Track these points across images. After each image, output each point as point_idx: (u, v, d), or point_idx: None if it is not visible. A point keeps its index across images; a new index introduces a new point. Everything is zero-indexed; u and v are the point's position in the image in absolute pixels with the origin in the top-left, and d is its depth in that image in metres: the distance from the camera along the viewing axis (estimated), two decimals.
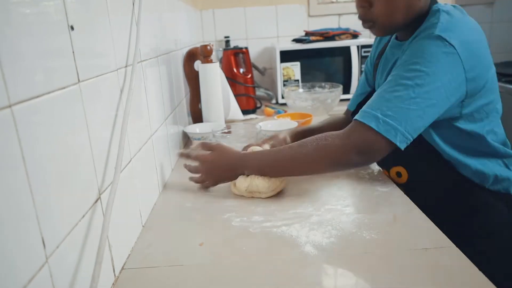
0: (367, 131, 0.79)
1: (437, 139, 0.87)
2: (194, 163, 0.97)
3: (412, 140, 0.79)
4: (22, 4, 0.43)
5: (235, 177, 0.92)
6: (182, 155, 1.01)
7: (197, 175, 0.97)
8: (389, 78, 0.83)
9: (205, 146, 0.98)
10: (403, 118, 0.77)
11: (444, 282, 0.59)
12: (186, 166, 0.98)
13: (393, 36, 0.98)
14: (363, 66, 1.98)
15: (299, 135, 1.11)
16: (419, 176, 0.93)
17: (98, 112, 0.62)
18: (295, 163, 0.86)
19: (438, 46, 0.77)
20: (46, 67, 0.47)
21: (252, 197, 0.91)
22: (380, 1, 0.85)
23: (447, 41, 0.77)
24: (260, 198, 0.90)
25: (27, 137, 0.41)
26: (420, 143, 0.86)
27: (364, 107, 0.82)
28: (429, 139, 0.88)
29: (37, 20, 0.46)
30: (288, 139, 1.10)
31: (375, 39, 1.12)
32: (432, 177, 0.91)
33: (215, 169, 0.94)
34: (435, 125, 0.84)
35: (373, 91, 1.07)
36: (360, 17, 0.91)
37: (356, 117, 0.82)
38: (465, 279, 0.59)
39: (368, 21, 0.90)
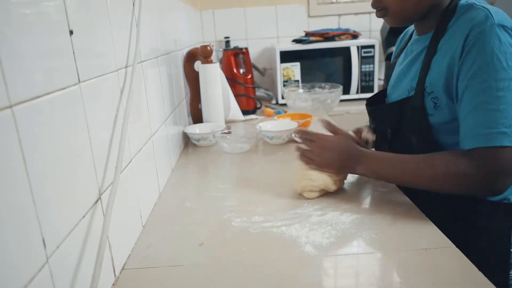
0: (494, 151, 0.71)
1: (442, 140, 0.85)
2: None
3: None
4: (23, 4, 0.43)
5: (344, 170, 0.88)
6: (299, 132, 0.94)
7: (307, 149, 0.91)
8: (469, 94, 0.75)
9: (330, 126, 0.96)
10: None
11: (444, 282, 0.59)
12: (300, 136, 0.93)
13: (414, 34, 0.97)
14: (363, 66, 1.99)
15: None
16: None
17: (99, 113, 0.62)
18: (419, 180, 0.79)
19: (505, 35, 0.73)
20: (47, 68, 0.47)
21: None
22: None
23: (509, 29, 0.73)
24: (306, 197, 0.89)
25: (27, 137, 0.41)
26: (425, 144, 0.85)
27: (472, 132, 0.74)
28: (433, 141, 0.86)
29: (37, 21, 0.46)
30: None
31: (397, 42, 1.11)
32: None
33: (330, 151, 0.88)
34: (440, 127, 0.83)
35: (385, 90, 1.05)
36: (373, 5, 0.89)
37: (474, 145, 0.74)
38: (465, 279, 0.59)
39: (380, 9, 0.88)
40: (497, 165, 0.72)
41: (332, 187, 0.89)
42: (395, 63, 1.04)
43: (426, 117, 0.84)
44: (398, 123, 0.92)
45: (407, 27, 1.08)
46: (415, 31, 0.96)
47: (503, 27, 0.73)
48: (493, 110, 0.72)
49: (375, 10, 0.89)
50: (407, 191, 0.88)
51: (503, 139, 0.71)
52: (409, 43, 0.98)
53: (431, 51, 0.84)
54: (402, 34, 1.10)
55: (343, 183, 0.93)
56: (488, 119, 0.73)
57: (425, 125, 0.85)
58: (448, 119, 0.82)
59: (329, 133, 0.95)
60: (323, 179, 0.88)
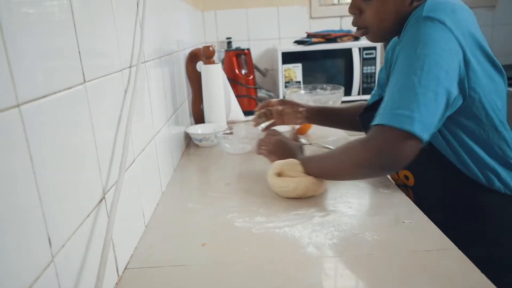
0: (380, 130, 0.75)
1: (446, 137, 0.86)
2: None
3: (435, 129, 0.75)
4: (28, 4, 0.44)
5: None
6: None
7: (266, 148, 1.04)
8: (391, 75, 0.80)
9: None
10: (415, 105, 0.72)
11: (446, 284, 0.59)
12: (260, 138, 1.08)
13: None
14: (364, 68, 1.99)
15: (319, 112, 1.22)
16: (425, 179, 0.93)
17: (103, 112, 0.62)
18: (329, 166, 0.88)
19: (429, 26, 0.74)
20: (52, 67, 0.47)
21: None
22: (370, 8, 0.85)
23: (436, 19, 0.74)
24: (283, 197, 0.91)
25: (34, 136, 0.42)
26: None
27: (377, 112, 0.79)
28: (433, 141, 0.87)
29: (42, 20, 0.46)
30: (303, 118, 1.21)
31: (388, 48, 1.12)
32: (437, 180, 0.91)
33: (282, 146, 1.02)
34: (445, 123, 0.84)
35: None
36: (353, 24, 0.91)
37: (371, 123, 0.79)
38: (467, 282, 0.59)
39: (360, 28, 0.90)
40: (375, 141, 0.76)
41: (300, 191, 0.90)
42: (390, 65, 1.05)
43: None
44: None
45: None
46: None
47: (428, 18, 0.75)
48: (390, 96, 0.76)
49: None
50: (415, 193, 0.89)
51: (382, 118, 0.75)
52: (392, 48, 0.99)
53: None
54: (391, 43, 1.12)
55: (322, 189, 0.92)
56: (384, 104, 0.77)
57: None
58: None
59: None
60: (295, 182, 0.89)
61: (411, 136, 0.72)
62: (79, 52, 0.54)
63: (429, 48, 0.74)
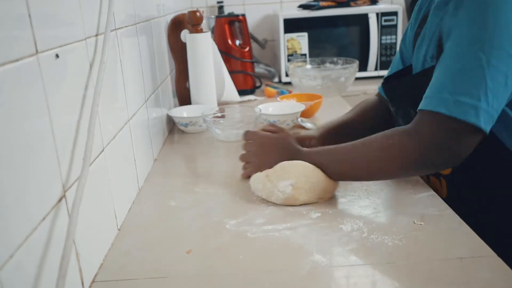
0: (440, 120, 0.73)
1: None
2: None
3: (496, 117, 0.73)
4: None
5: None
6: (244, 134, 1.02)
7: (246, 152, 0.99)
8: (447, 47, 0.77)
9: (273, 126, 1.04)
10: (482, 92, 0.71)
11: None
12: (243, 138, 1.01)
13: None
14: (383, 37, 1.97)
15: (331, 134, 1.08)
16: (469, 166, 0.90)
17: (62, 91, 0.60)
18: (357, 164, 0.84)
19: None
20: None
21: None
22: None
23: None
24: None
25: None
26: None
27: (426, 92, 0.77)
28: None
29: None
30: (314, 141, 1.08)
31: (415, 6, 1.09)
32: (485, 169, 0.88)
33: (269, 147, 0.95)
34: None
35: (408, 68, 1.05)
36: None
37: (420, 107, 0.77)
38: None
39: None
40: (427, 132, 0.75)
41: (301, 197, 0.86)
42: (418, 33, 1.02)
43: None
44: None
45: None
46: None
47: None
48: (449, 73, 0.74)
49: None
50: (449, 185, 0.87)
51: (440, 104, 0.73)
52: (431, 9, 0.96)
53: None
54: None
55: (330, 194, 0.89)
56: (439, 82, 0.75)
57: None
58: None
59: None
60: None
61: (475, 129, 0.72)
62: (29, 16, 0.52)
63: (501, 14, 0.71)
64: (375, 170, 0.83)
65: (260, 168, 0.92)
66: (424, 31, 0.94)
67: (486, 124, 0.72)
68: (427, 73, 0.87)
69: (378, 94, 1.14)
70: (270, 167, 0.90)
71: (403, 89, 0.97)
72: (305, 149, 0.92)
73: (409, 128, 0.78)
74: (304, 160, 0.88)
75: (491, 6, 0.72)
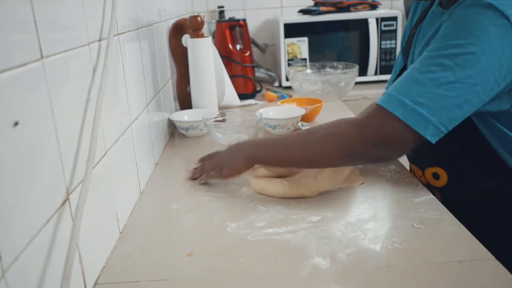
0: (391, 119, 0.76)
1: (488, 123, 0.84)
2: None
3: (445, 133, 0.77)
4: None
5: (231, 166, 0.92)
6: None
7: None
8: (423, 54, 0.80)
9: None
10: (437, 107, 0.74)
11: None
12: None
13: (436, 2, 0.96)
14: (383, 42, 1.98)
15: None
16: (464, 180, 0.91)
17: (66, 95, 0.61)
18: (303, 153, 0.85)
19: (488, 17, 0.73)
20: (1, 41, 0.45)
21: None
22: None
23: (499, 11, 0.73)
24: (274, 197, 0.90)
25: None
26: (469, 136, 0.84)
27: (389, 89, 0.80)
28: (483, 131, 0.85)
29: None
30: None
31: (412, 5, 1.10)
32: (482, 182, 0.89)
33: (224, 153, 0.96)
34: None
35: (405, 68, 1.05)
36: None
37: (378, 100, 0.80)
38: None
39: None
40: (375, 129, 0.78)
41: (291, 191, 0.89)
42: (413, 34, 1.03)
43: None
44: None
45: None
46: None
47: (490, 6, 0.73)
48: (416, 80, 0.77)
49: None
50: (443, 197, 0.88)
51: (398, 107, 0.76)
52: (429, 13, 0.97)
53: None
54: None
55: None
56: (404, 85, 0.78)
57: None
58: None
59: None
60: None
61: (421, 138, 0.76)
62: (35, 22, 0.53)
63: (482, 45, 0.73)
64: (315, 157, 0.84)
65: (217, 173, 0.94)
66: (419, 33, 0.95)
67: (432, 136, 0.75)
68: None
69: None
70: (223, 167, 0.93)
71: None
72: (248, 140, 0.96)
73: (358, 120, 0.80)
74: (245, 153, 0.91)
75: (471, 31, 0.75)
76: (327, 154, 0.83)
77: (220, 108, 1.52)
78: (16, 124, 0.46)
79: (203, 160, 1.02)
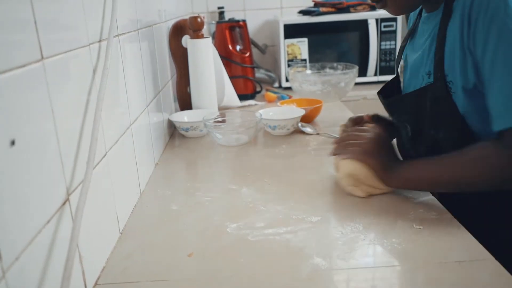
0: None
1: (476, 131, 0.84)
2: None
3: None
4: None
5: (381, 168, 0.88)
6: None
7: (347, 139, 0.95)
8: (496, 58, 0.76)
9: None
10: None
11: None
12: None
13: (423, 12, 0.97)
14: (382, 43, 1.98)
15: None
16: None
17: (66, 96, 0.61)
18: (447, 183, 0.82)
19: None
20: (2, 41, 0.46)
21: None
22: None
23: None
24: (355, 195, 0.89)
25: None
26: (468, 137, 0.84)
27: (497, 109, 0.76)
28: (466, 133, 0.85)
29: None
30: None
31: (408, 21, 1.11)
32: None
33: (371, 139, 0.91)
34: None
35: (397, 77, 1.06)
36: None
37: (497, 128, 0.76)
38: None
39: (379, 1, 0.90)
40: None
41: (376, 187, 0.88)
42: (403, 47, 1.05)
43: (456, 106, 0.84)
44: (418, 117, 0.92)
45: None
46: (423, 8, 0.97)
47: None
48: None
49: None
50: (442, 195, 0.88)
51: None
52: (420, 22, 0.98)
53: (441, 36, 0.85)
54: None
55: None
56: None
57: (455, 115, 0.84)
58: (464, 104, 0.83)
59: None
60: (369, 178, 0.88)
61: None
62: (35, 22, 0.53)
63: None
64: (461, 180, 0.80)
65: (360, 157, 0.89)
66: (421, 48, 0.95)
67: None
68: (424, 92, 0.89)
69: None
70: (372, 158, 0.88)
71: (405, 105, 0.98)
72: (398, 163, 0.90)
73: (499, 145, 0.76)
74: (397, 173, 0.87)
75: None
76: (468, 176, 0.79)
77: (220, 108, 1.52)
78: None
79: (351, 130, 0.98)
